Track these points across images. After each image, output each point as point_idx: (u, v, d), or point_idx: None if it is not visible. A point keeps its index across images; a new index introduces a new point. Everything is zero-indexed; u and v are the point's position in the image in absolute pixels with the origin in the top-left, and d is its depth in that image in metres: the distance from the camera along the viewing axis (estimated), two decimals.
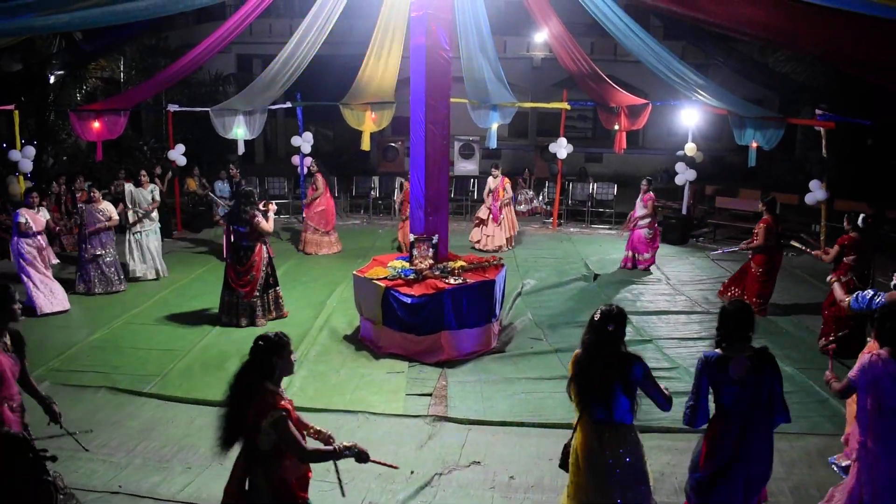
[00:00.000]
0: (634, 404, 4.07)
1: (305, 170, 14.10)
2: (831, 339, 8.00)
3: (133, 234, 11.21)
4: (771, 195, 10.26)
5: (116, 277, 10.57)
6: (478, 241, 13.96)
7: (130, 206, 11.20)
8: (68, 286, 10.19)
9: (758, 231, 9.53)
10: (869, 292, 5.76)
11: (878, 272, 9.14)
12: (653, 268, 12.19)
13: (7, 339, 4.49)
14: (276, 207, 9.53)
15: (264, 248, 9.07)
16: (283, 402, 3.68)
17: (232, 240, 9.04)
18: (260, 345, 3.72)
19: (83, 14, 7.63)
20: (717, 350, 4.19)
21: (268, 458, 3.65)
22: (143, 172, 11.76)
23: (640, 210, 12.14)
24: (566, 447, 4.39)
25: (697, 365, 4.20)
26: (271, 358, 3.71)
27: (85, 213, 10.47)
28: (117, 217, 10.63)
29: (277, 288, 9.35)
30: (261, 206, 8.99)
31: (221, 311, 9.15)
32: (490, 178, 14.22)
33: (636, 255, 12.21)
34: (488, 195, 14.05)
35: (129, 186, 11.38)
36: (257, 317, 9.06)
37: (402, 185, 13.95)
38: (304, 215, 13.72)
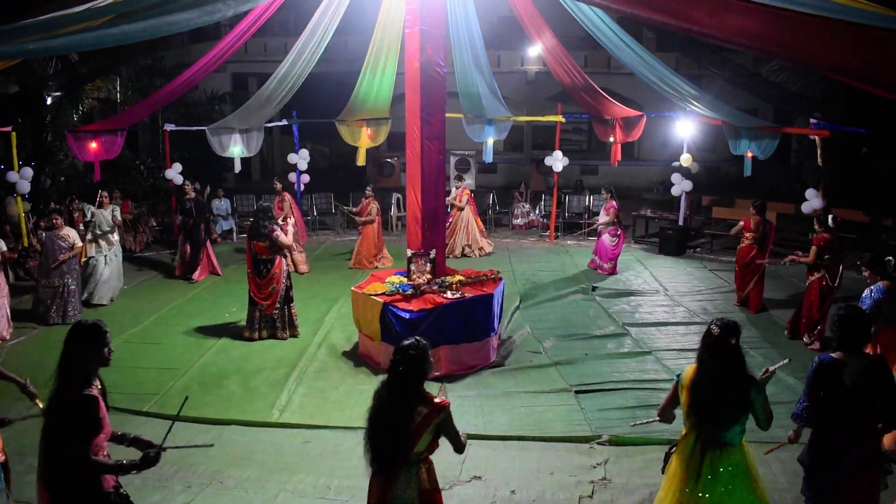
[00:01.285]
0: (744, 424, 4.07)
1: (278, 185, 14.08)
2: (815, 335, 8.82)
3: (90, 259, 10.85)
4: (760, 200, 10.54)
5: (77, 306, 10.14)
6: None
7: (90, 228, 10.96)
8: (26, 315, 10.11)
9: (738, 229, 10.47)
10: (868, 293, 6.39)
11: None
12: (650, 279, 12.23)
13: (98, 384, 4.10)
14: (293, 221, 9.69)
15: (284, 261, 9.21)
16: (438, 400, 3.81)
17: (254, 253, 9.13)
18: (412, 354, 3.77)
19: (80, 37, 7.65)
20: (833, 354, 4.20)
21: (420, 460, 3.81)
22: (104, 193, 11.38)
23: (602, 217, 12.88)
24: (668, 454, 4.44)
25: (811, 367, 4.20)
26: (423, 363, 3.79)
27: (46, 242, 10.00)
28: (80, 244, 10.22)
29: (293, 304, 9.42)
30: (279, 222, 9.19)
31: (248, 327, 9.24)
32: (453, 189, 14.47)
33: (599, 261, 12.87)
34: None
35: (90, 208, 11.15)
36: (277, 329, 9.19)
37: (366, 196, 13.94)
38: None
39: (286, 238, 9.04)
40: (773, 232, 10.40)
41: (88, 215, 11.00)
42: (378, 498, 3.79)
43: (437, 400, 3.77)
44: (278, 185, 13.84)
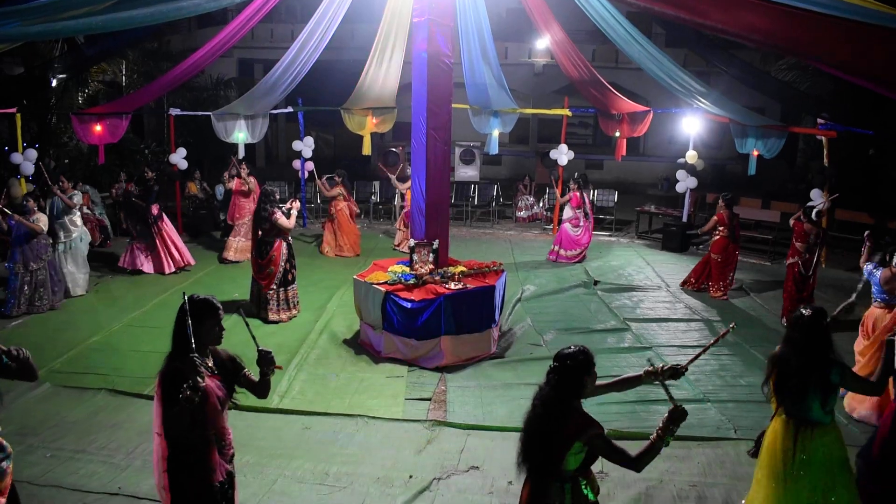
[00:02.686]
0: (832, 404, 4.20)
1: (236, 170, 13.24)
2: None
3: (57, 246, 10.36)
4: (730, 194, 11.31)
5: (51, 294, 9.73)
6: (398, 245, 14.15)
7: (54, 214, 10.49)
8: None
9: (710, 221, 11.15)
10: (870, 269, 6.91)
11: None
12: (652, 275, 12.25)
13: (210, 362, 3.87)
14: (299, 205, 9.80)
15: (284, 244, 9.37)
16: (591, 420, 3.55)
17: (259, 235, 9.36)
18: (568, 364, 3.55)
19: (87, 20, 7.65)
20: None
21: (575, 478, 3.56)
22: (63, 178, 11.07)
23: (567, 210, 13.22)
24: (760, 436, 4.56)
25: None
26: (582, 376, 3.55)
27: (13, 227, 9.51)
28: (45, 228, 9.64)
29: (294, 286, 9.60)
30: (287, 205, 9.43)
31: (250, 302, 9.65)
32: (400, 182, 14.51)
33: (561, 250, 13.18)
34: (403, 198, 14.36)
35: (85, 189, 10.79)
36: (270, 310, 9.37)
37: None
38: (231, 222, 13.09)
39: (286, 221, 9.23)
40: (739, 223, 11.23)
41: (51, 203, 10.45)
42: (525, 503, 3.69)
43: (583, 418, 3.51)
44: (245, 170, 13.07)
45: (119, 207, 13.95)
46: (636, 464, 3.56)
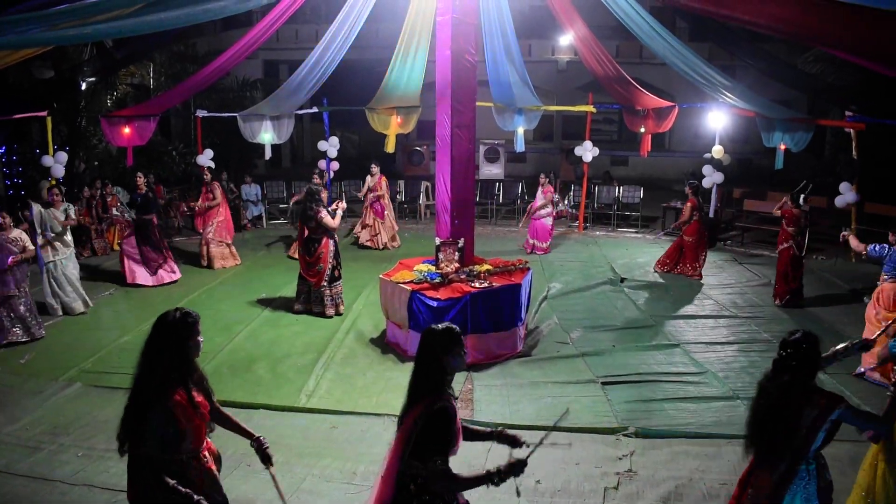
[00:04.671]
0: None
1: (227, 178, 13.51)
2: (787, 297, 10.25)
3: (46, 265, 9.64)
4: (696, 181, 12.50)
5: (33, 321, 8.76)
6: (369, 241, 14.25)
7: (39, 230, 9.56)
8: None
9: (685, 210, 11.96)
10: (885, 246, 7.61)
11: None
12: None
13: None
14: (345, 206, 10.09)
15: (331, 241, 9.58)
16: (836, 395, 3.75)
17: (306, 234, 9.59)
18: (805, 347, 3.71)
19: (117, 24, 7.76)
20: None
21: (818, 455, 3.79)
22: (55, 190, 10.00)
23: (539, 201, 13.72)
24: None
25: None
26: (819, 354, 3.76)
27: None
28: (32, 247, 8.90)
29: (339, 283, 9.83)
30: (333, 206, 9.70)
31: (297, 300, 9.87)
32: (368, 177, 14.49)
33: (535, 242, 13.76)
34: (366, 194, 14.40)
35: (36, 207, 9.62)
36: (326, 306, 9.62)
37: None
38: (200, 230, 12.75)
39: (331, 221, 9.43)
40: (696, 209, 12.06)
41: (36, 217, 9.55)
42: (772, 490, 3.77)
43: (829, 394, 3.70)
44: (207, 175, 12.86)
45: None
46: (880, 422, 3.94)
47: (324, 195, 9.90)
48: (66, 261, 9.80)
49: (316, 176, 13.75)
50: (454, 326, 3.60)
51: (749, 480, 3.93)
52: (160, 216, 13.08)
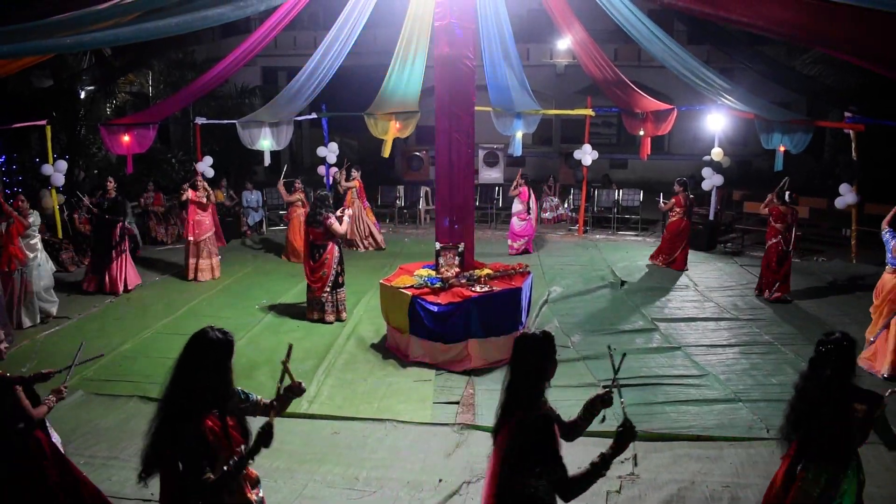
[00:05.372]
0: None
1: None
2: (775, 288, 10.62)
3: (13, 275, 9.30)
4: (685, 178, 13.11)
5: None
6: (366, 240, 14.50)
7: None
8: None
9: (668, 203, 12.82)
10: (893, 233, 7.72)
11: None
12: (678, 274, 12.17)
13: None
14: (351, 212, 10.13)
15: (336, 248, 9.57)
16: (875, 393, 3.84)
17: (310, 239, 9.55)
18: (845, 345, 3.75)
19: (115, 31, 7.77)
20: None
21: (857, 456, 3.82)
22: (22, 198, 9.67)
23: (516, 204, 14.02)
24: None
25: None
26: (856, 354, 3.82)
27: None
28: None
29: (343, 289, 9.78)
30: (339, 212, 9.62)
31: (308, 309, 9.78)
32: (343, 180, 14.58)
33: (509, 241, 14.09)
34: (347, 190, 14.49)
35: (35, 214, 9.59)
36: (326, 312, 9.58)
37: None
38: (191, 237, 11.97)
39: (339, 227, 9.40)
40: (693, 203, 13.03)
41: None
42: (822, 490, 3.77)
43: (869, 392, 3.75)
44: (201, 181, 12.42)
45: (91, 221, 12.78)
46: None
47: (348, 209, 9.94)
48: (32, 269, 9.47)
49: (298, 185, 13.91)
50: (549, 331, 3.54)
51: (793, 475, 3.89)
52: (129, 221, 12.73)
